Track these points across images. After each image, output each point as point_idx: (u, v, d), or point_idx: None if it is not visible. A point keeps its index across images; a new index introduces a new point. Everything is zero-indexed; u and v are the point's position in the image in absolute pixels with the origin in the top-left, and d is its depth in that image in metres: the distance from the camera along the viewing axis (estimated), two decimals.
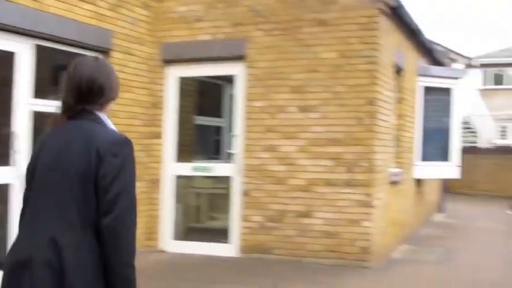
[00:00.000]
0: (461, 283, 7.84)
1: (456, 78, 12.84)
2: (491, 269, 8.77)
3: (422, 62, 12.53)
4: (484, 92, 33.90)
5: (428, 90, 12.80)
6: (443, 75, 12.72)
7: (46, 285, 2.47)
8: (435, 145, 13.35)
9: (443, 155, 13.25)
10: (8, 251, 2.67)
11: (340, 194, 8.49)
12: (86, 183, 2.55)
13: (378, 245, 8.64)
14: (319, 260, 8.52)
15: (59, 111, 2.73)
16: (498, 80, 42.82)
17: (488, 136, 26.32)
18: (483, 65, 34.89)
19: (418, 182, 12.49)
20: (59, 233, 2.52)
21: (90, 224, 2.53)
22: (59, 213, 2.55)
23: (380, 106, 8.65)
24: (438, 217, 15.42)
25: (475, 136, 25.59)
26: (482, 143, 24.61)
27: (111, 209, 2.51)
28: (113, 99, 2.79)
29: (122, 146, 2.62)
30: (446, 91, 13.13)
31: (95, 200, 2.53)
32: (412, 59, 11.52)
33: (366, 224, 8.41)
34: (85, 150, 2.57)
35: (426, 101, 12.88)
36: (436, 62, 13.81)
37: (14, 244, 2.67)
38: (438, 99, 13.37)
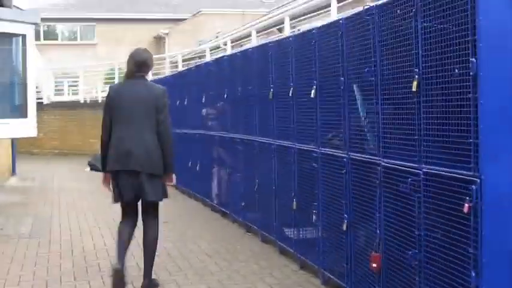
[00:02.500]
0: (71, 254, 6.67)
1: (31, 23, 11.27)
2: (98, 236, 7.75)
3: None
4: (40, 47, 32.52)
5: None
6: (16, 18, 11.01)
7: (142, 158, 5.12)
8: (8, 100, 11.72)
9: (19, 111, 11.69)
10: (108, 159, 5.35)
11: None
12: (151, 110, 5.21)
13: None
14: None
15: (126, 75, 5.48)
16: (50, 34, 41.98)
17: (48, 92, 25.25)
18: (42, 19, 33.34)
19: None
20: (144, 133, 5.18)
21: (155, 129, 5.20)
22: (142, 125, 5.19)
23: None
24: (12, 181, 13.81)
25: (37, 91, 24.15)
26: (44, 99, 23.36)
27: (161, 122, 5.22)
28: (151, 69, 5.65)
29: (165, 92, 5.38)
30: (17, 38, 11.52)
31: (156, 118, 5.21)
32: None
33: None
34: (148, 94, 5.28)
35: None
36: None
37: (116, 144, 5.24)
38: (8, 49, 11.71)
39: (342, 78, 4.81)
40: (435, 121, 3.58)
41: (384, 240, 4.22)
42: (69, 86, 29.28)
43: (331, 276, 5.25)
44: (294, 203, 5.95)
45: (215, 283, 5.59)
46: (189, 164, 10.24)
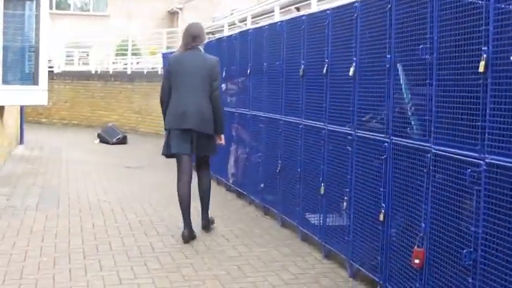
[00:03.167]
0: (80, 230, 6.31)
1: None
2: (108, 212, 7.40)
3: None
4: (51, 16, 32.08)
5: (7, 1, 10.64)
6: None
7: (196, 119, 5.94)
8: (19, 66, 11.34)
9: (30, 78, 11.31)
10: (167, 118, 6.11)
11: None
12: (206, 78, 6.04)
13: None
14: None
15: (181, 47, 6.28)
16: (62, 4, 41.50)
17: (59, 61, 24.86)
18: None
19: None
20: (198, 97, 6.00)
21: (208, 95, 6.03)
22: (197, 90, 6.01)
23: None
24: (20, 150, 13.46)
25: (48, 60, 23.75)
26: (55, 67, 22.94)
27: (215, 89, 6.09)
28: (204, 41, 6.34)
29: (218, 63, 6.24)
30: (30, 2, 11.13)
31: (210, 85, 6.05)
32: None
33: None
34: (204, 63, 6.10)
35: (6, 15, 10.73)
36: None
37: (174, 105, 6.05)
38: (20, 13, 11.33)
39: (389, 56, 4.39)
40: (504, 106, 3.17)
41: (430, 234, 3.84)
42: (80, 56, 28.94)
43: (361, 269, 4.88)
44: (322, 187, 5.56)
45: (235, 270, 5.22)
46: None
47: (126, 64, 23.13)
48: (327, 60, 5.49)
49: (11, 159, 11.83)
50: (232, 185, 8.61)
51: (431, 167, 3.82)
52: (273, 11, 12.65)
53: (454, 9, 3.60)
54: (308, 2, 11.15)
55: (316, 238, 5.75)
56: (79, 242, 5.96)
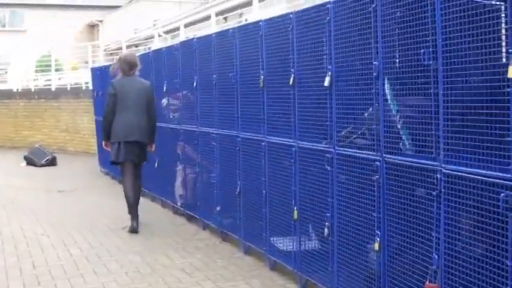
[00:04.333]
0: (19, 273, 5.53)
1: None
2: (48, 247, 6.61)
3: None
4: None
5: None
6: None
7: (139, 132, 7.15)
8: None
9: None
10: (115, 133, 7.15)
11: None
12: (144, 99, 7.23)
13: None
14: None
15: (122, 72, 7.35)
16: None
17: None
18: None
19: None
20: (140, 115, 7.14)
21: (145, 112, 7.19)
22: (139, 109, 7.15)
23: None
24: None
25: None
26: None
27: (151, 108, 7.33)
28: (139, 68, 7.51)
29: (152, 86, 7.56)
30: None
31: (147, 105, 7.24)
32: None
33: None
34: (142, 87, 7.29)
35: None
36: None
37: (121, 122, 7.12)
38: None
39: (376, 63, 3.87)
40: None
41: (445, 267, 3.31)
42: None
43: None
44: (296, 212, 4.99)
45: None
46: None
47: (47, 80, 22.00)
48: (293, 70, 4.93)
49: None
50: (181, 208, 7.94)
51: (442, 190, 3.30)
52: (206, 19, 12.24)
53: (464, 5, 3.10)
54: (247, 8, 10.60)
55: (290, 267, 5.17)
56: None
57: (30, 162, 14.46)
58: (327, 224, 4.53)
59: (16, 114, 19.04)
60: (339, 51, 4.31)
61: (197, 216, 7.34)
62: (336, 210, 4.43)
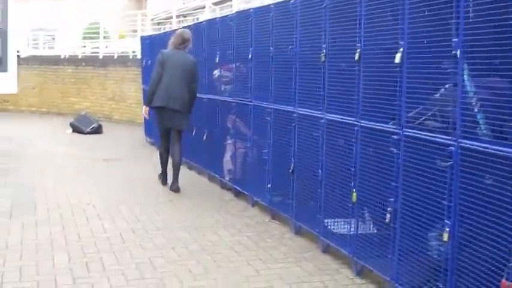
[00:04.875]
0: (65, 243, 5.42)
1: None
2: (93, 217, 6.50)
3: None
4: None
5: None
6: None
7: (179, 102, 7.67)
8: None
9: None
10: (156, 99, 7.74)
11: None
12: (188, 73, 7.74)
13: None
14: None
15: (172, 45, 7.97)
16: None
17: (22, 44, 23.60)
18: None
19: None
20: (182, 86, 7.67)
21: (187, 85, 7.72)
22: (181, 81, 7.67)
23: None
24: None
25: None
26: (21, 52, 21.66)
27: (194, 81, 7.83)
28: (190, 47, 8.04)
29: (197, 62, 7.96)
30: None
31: (190, 79, 7.75)
32: None
33: None
34: (188, 61, 7.81)
35: None
36: None
37: (163, 89, 7.68)
38: None
39: (456, 40, 3.57)
40: None
41: None
42: (46, 40, 27.62)
43: None
44: (355, 194, 4.74)
45: None
46: (193, 133, 8.96)
47: (94, 48, 21.98)
48: (359, 45, 4.65)
49: None
50: (229, 183, 7.75)
51: None
52: None
53: None
54: None
55: (345, 252, 4.94)
56: (65, 260, 5.04)
57: (76, 129, 14.43)
58: (389, 209, 4.27)
59: (63, 80, 19.07)
60: (414, 26, 4.02)
61: (246, 193, 7.15)
62: (401, 196, 4.17)
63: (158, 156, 8.27)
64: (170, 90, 7.66)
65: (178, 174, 7.85)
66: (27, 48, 24.07)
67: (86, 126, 14.40)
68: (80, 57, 19.91)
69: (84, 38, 26.90)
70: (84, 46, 23.55)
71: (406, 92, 4.11)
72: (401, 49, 4.11)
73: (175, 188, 7.77)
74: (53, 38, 29.97)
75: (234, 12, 7.86)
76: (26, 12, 27.55)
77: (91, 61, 18.86)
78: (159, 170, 8.25)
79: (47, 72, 19.45)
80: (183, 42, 7.89)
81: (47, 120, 17.38)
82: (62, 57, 20.12)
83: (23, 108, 19.40)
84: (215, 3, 20.00)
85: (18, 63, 18.86)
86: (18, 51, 20.07)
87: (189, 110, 7.87)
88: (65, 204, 7.04)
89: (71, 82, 18.87)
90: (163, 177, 8.14)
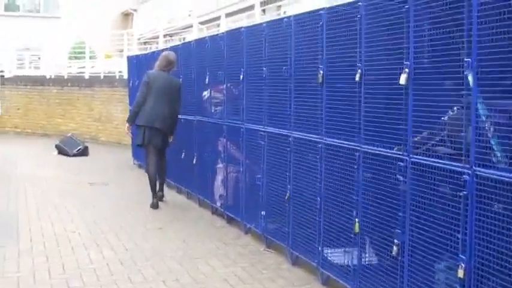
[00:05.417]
0: (48, 276, 5.09)
1: None
2: (79, 247, 6.17)
3: None
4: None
5: None
6: None
7: (162, 122, 8.08)
8: None
9: None
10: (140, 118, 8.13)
11: None
12: (172, 95, 8.15)
13: None
14: None
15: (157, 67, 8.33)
16: (10, 6, 39.69)
17: (9, 65, 23.27)
18: None
19: None
20: (166, 107, 8.08)
21: (170, 106, 8.11)
22: (165, 102, 8.06)
23: None
24: None
25: None
26: (5, 72, 21.31)
27: (177, 103, 8.24)
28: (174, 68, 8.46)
29: (181, 83, 8.39)
30: None
31: (174, 100, 8.17)
32: None
33: None
34: (171, 82, 8.25)
35: None
36: None
37: (148, 109, 8.07)
38: None
39: (469, 60, 3.31)
40: None
41: None
42: (31, 60, 27.30)
43: None
44: (357, 224, 4.46)
45: None
46: (182, 155, 8.68)
47: (80, 68, 21.68)
48: (360, 65, 4.40)
49: None
50: (220, 209, 7.45)
51: None
52: (244, 10, 11.70)
53: None
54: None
55: (347, 285, 4.64)
56: None
57: (61, 151, 14.10)
58: (396, 241, 4.00)
59: (48, 101, 18.74)
60: (420, 45, 3.77)
61: (239, 219, 6.85)
62: (408, 227, 3.89)
63: (147, 179, 8.19)
64: (154, 110, 8.05)
65: (163, 184, 8.48)
66: (12, 68, 23.77)
67: (71, 148, 14.07)
68: (65, 77, 19.61)
69: (70, 57, 26.62)
70: (70, 66, 23.25)
71: (412, 116, 3.85)
72: (406, 69, 3.86)
73: (159, 196, 8.20)
74: (39, 58, 29.66)
75: (223, 31, 7.58)
76: (10, 32, 27.28)
77: (77, 81, 18.55)
78: (148, 194, 7.96)
79: (32, 93, 19.12)
80: (168, 64, 8.29)
81: (32, 142, 17.02)
82: (48, 77, 19.81)
83: (7, 129, 19.02)
84: (202, 23, 19.82)
85: (3, 84, 18.59)
86: (2, 72, 19.77)
87: (172, 130, 8.34)
88: (49, 232, 6.71)
89: (56, 103, 18.54)
90: (156, 198, 8.08)
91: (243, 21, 16.46)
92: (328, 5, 4.89)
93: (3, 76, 18.97)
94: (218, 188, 7.47)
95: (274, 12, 17.10)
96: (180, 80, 8.49)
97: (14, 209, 7.92)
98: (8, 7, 38.26)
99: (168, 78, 8.22)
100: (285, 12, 20.51)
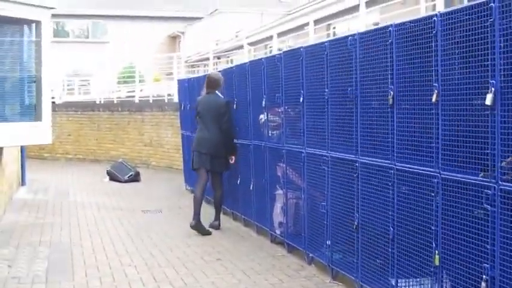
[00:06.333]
0: None
1: (48, 7, 9.44)
2: (137, 282, 5.92)
3: None
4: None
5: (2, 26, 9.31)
6: (27, 1, 9.11)
7: (208, 145, 8.13)
8: (18, 100, 9.93)
9: (30, 114, 9.90)
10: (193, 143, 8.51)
11: None
12: (217, 115, 8.15)
13: None
14: None
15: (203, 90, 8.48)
16: (60, 33, 40.38)
17: (59, 91, 23.52)
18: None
19: None
20: (211, 130, 8.15)
21: (218, 127, 8.13)
22: (210, 124, 8.16)
23: None
24: (21, 193, 11.98)
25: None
26: (56, 98, 21.49)
27: (224, 123, 8.16)
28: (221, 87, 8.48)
29: (227, 103, 8.31)
30: (29, 25, 9.72)
31: (220, 121, 8.11)
32: None
33: None
34: (215, 104, 8.19)
35: (2, 42, 9.39)
36: None
37: (194, 140, 8.43)
38: (18, 41, 9.94)
39: None
40: None
41: None
42: (80, 85, 27.59)
43: None
44: (437, 257, 4.10)
45: None
46: (238, 181, 8.41)
47: (129, 92, 21.75)
48: (436, 84, 4.06)
49: (12, 206, 10.34)
50: (280, 237, 7.14)
51: None
52: (293, 31, 11.46)
53: None
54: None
55: None
56: None
57: (113, 177, 14.01)
58: (484, 277, 3.63)
59: (99, 126, 18.77)
60: (507, 61, 3.42)
61: (300, 249, 6.52)
62: (498, 261, 3.52)
63: (193, 200, 8.17)
64: (200, 134, 8.28)
65: (219, 213, 8.37)
66: (62, 94, 24.01)
67: (123, 174, 13.96)
68: (115, 101, 19.65)
69: (119, 82, 26.81)
70: (119, 90, 23.36)
71: (500, 139, 3.50)
72: (492, 88, 3.51)
73: (213, 225, 8.17)
74: (88, 83, 30.00)
75: (280, 52, 7.30)
76: (60, 58, 27.62)
77: (127, 106, 18.54)
78: (203, 221, 7.94)
79: (82, 119, 19.19)
80: (211, 84, 8.30)
81: (83, 168, 17.02)
82: (97, 102, 19.89)
83: (58, 156, 19.11)
84: (250, 44, 19.67)
85: (53, 110, 18.66)
86: (53, 98, 19.92)
87: (223, 152, 8.24)
88: (104, 265, 6.48)
89: (106, 127, 18.55)
90: (196, 219, 7.90)
91: (289, 42, 16.27)
92: (382, 24, 4.58)
93: (54, 102, 19.06)
94: (277, 216, 7.16)
95: (323, 32, 16.87)
96: (230, 100, 8.39)
97: (67, 241, 7.73)
98: (57, 33, 38.96)
99: (210, 99, 8.27)
100: (334, 28, 20.26)
